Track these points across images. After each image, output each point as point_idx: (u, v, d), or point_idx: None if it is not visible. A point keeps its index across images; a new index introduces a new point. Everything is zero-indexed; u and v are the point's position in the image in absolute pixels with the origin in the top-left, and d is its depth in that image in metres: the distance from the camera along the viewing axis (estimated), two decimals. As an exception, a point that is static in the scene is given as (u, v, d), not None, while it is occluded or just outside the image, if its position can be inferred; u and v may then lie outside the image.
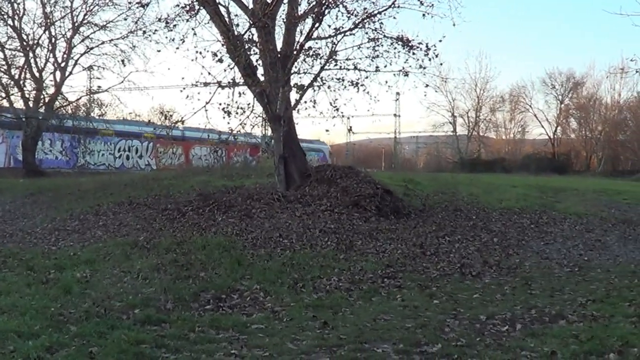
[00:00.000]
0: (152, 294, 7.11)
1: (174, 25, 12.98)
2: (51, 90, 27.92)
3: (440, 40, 13.57)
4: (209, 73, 12.69)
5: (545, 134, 62.08)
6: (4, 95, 27.38)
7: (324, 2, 12.96)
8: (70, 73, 28.20)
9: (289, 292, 7.68)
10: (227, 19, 12.98)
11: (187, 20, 12.86)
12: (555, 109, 62.98)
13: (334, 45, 13.47)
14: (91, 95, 30.03)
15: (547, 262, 10.23)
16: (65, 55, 27.77)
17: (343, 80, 13.77)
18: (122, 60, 25.97)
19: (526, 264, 9.93)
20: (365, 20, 13.40)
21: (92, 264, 8.75)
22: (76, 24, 27.38)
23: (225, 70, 12.76)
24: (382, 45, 13.56)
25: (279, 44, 13.48)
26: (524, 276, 8.97)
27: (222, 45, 12.89)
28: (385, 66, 13.68)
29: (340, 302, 7.28)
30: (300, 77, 13.85)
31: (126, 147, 35.45)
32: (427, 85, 14.40)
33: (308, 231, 10.68)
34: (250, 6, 13.18)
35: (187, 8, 12.78)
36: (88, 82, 31.72)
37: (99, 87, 29.13)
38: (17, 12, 27.04)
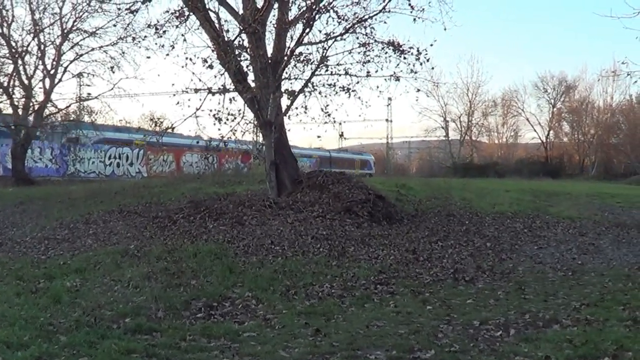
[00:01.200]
0: (143, 303, 7.08)
1: (164, 32, 13.01)
2: (40, 98, 27.82)
3: (432, 45, 13.71)
4: (200, 79, 12.74)
5: (538, 137, 62.52)
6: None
7: (314, 7, 13.00)
8: (60, 80, 28.08)
9: (281, 299, 7.67)
10: (217, 25, 13.01)
11: (177, 27, 12.89)
12: (547, 113, 63.47)
13: (325, 51, 13.54)
14: (81, 103, 29.90)
15: (540, 266, 10.26)
16: (54, 62, 27.69)
17: (334, 85, 13.84)
18: (112, 67, 25.90)
19: (520, 269, 9.95)
20: (356, 25, 13.47)
21: (82, 272, 8.71)
22: (65, 31, 27.30)
23: (215, 77, 12.81)
24: (373, 50, 13.65)
25: (270, 50, 13.51)
26: (517, 281, 8.99)
27: (213, 51, 12.91)
28: (377, 71, 13.76)
29: (333, 309, 7.27)
30: (291, 83, 13.93)
31: (117, 154, 35.27)
32: (418, 90, 14.51)
33: (300, 238, 10.67)
34: (241, 12, 13.21)
35: (177, 14, 12.80)
36: (78, 89, 31.59)
37: (89, 94, 28.99)
38: (6, 18, 26.97)
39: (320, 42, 13.48)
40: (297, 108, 13.78)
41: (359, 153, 59.69)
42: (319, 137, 14.81)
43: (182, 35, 12.86)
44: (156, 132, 14.30)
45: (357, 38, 13.63)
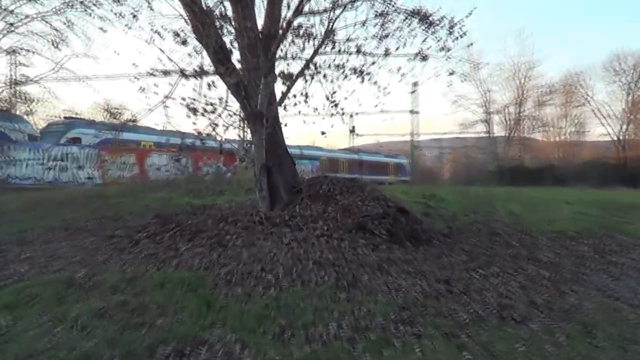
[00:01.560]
0: (93, 349, 7.05)
1: (124, -4, 13.03)
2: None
3: (469, 15, 13.67)
4: (170, 59, 12.74)
5: (610, 134, 62.38)
6: None
7: (318, -35, 13.04)
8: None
9: (273, 343, 7.62)
10: (192, -12, 13.03)
11: (141, -9, 12.91)
12: (622, 102, 63.28)
13: (331, 23, 13.52)
14: (14, 87, 29.96)
15: (614, 302, 10.20)
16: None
17: (343, 67, 13.83)
18: (56, 42, 25.97)
19: (586, 305, 9.88)
20: (372, -11, 13.47)
21: (12, 309, 8.66)
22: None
23: (190, 55, 12.87)
24: (393, 22, 13.65)
25: (260, 22, 13.52)
26: (583, 321, 8.93)
27: (187, 22, 12.92)
28: (397, 49, 13.76)
29: (341, 355, 7.23)
30: (287, 64, 13.90)
31: (61, 155, 35.37)
32: (452, 73, 14.50)
33: (299, 263, 10.65)
34: (223, -29, 13.24)
35: (141, -26, 12.84)
36: (10, 69, 31.65)
37: (25, 76, 29.08)
38: None
39: (325, 11, 13.49)
40: (295, 96, 13.79)
41: (392, 155, 61.62)
42: (323, 133, 14.46)
43: (147, 1, 12.90)
44: (114, 127, 14.33)
45: (373, 6, 13.66)
